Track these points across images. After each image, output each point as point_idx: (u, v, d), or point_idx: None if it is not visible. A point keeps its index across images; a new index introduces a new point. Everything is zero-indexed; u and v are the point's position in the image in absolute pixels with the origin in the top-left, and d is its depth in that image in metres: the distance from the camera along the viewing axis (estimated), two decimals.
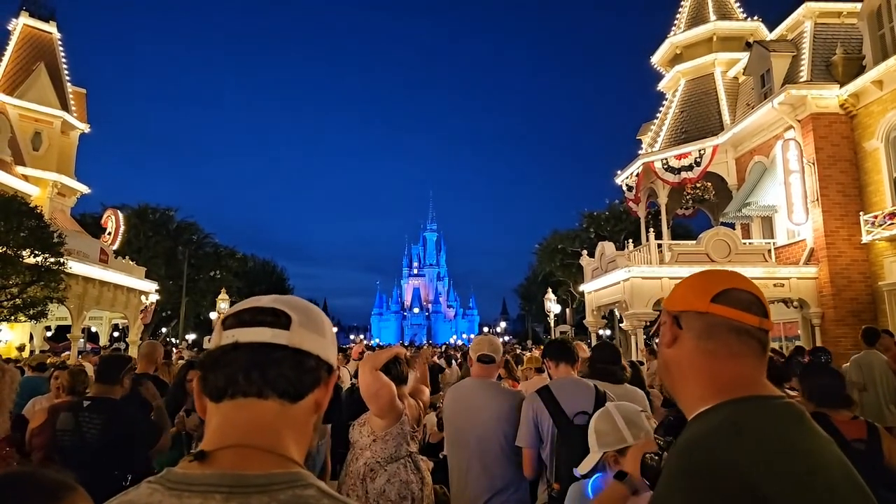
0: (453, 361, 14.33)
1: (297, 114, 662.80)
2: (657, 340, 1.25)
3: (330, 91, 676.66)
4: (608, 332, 33.96)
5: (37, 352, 16.78)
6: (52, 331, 22.75)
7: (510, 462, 3.51)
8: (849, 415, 3.06)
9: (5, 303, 13.39)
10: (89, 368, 5.14)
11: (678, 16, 19.43)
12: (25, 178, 20.15)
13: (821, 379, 3.24)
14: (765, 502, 0.88)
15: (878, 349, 7.32)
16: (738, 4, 19.03)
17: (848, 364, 7.39)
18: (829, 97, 13.67)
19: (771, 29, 17.31)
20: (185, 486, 0.83)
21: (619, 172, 19.33)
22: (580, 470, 2.40)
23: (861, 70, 13.43)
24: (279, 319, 0.93)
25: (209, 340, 0.97)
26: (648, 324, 13.91)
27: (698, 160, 16.50)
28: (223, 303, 28.40)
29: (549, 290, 31.71)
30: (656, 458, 1.27)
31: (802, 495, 0.89)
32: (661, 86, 19.88)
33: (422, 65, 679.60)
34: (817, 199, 13.47)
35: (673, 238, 17.98)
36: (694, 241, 15.14)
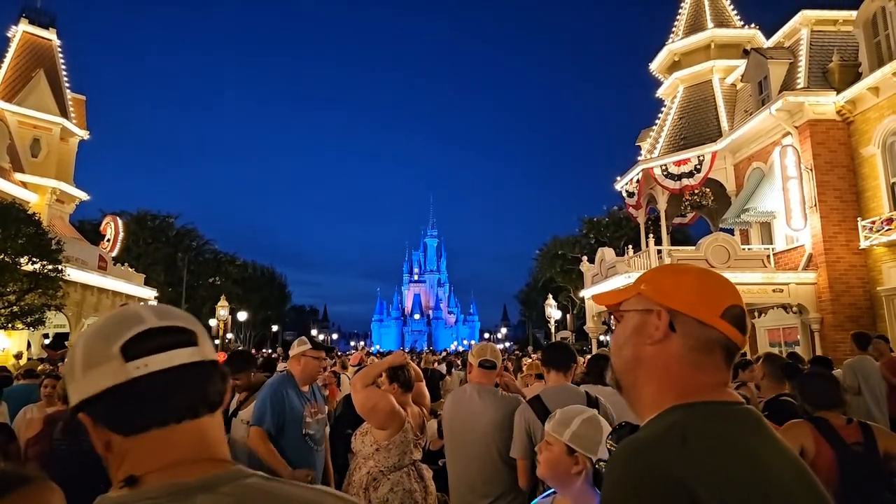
0: (453, 368, 14.30)
1: (297, 119, 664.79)
2: (614, 325, 1.17)
3: (330, 96, 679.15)
4: (609, 337, 33.88)
5: (34, 359, 16.72)
6: (50, 338, 22.67)
7: (508, 469, 3.49)
8: (843, 418, 3.08)
9: (3, 310, 13.36)
10: None
11: (676, 23, 19.52)
12: (24, 184, 20.15)
13: (817, 383, 3.27)
14: None
15: (872, 354, 7.36)
16: (735, 12, 19.12)
17: (840, 369, 7.40)
18: (826, 104, 13.72)
19: (768, 36, 17.40)
20: None
21: (618, 178, 19.37)
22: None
23: (857, 77, 13.49)
24: (187, 337, 0.90)
25: (103, 373, 0.85)
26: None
27: (698, 167, 16.54)
28: (223, 309, 28.31)
29: (550, 295, 31.66)
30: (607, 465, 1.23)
31: None
32: (660, 92, 19.94)
33: (423, 70, 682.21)
34: (815, 205, 13.50)
35: (672, 244, 18.00)
36: (693, 247, 15.16)
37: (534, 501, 2.32)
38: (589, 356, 5.79)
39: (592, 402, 3.34)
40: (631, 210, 19.56)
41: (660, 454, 0.91)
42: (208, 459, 0.87)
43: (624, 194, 19.19)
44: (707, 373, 1.04)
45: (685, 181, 16.60)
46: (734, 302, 1.07)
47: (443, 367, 14.38)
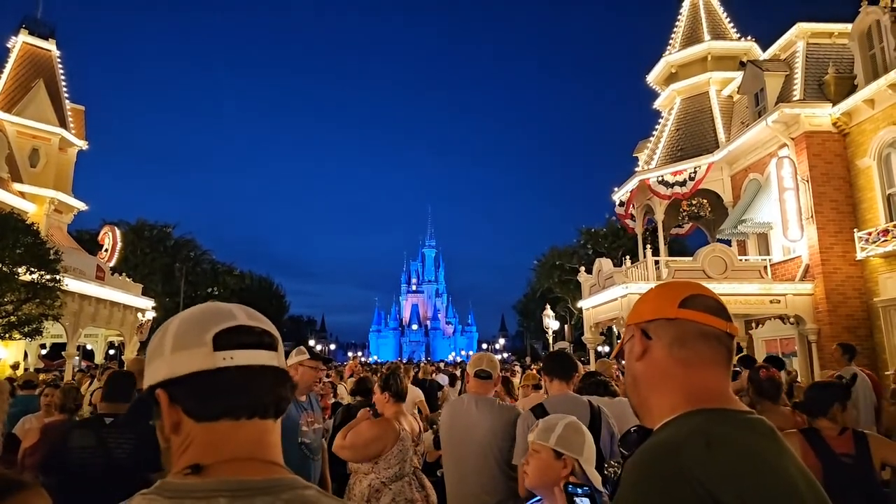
0: (447, 378, 14.25)
1: (295, 129, 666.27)
2: (623, 362, 1.25)
3: (328, 106, 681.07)
4: (607, 348, 33.87)
5: (31, 370, 16.65)
6: (47, 348, 22.58)
7: (506, 478, 3.50)
8: (837, 428, 3.08)
9: (0, 320, 13.32)
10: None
11: (673, 35, 19.68)
12: (22, 194, 20.16)
13: (810, 391, 3.29)
14: None
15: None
16: (731, 24, 19.29)
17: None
18: (822, 116, 13.81)
19: (764, 48, 17.54)
20: (185, 493, 0.82)
21: (616, 189, 19.43)
22: None
23: (853, 89, 13.59)
24: (271, 341, 0.94)
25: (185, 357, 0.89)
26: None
27: (692, 176, 16.63)
28: None
29: (548, 306, 31.67)
30: (617, 467, 1.24)
31: None
32: (657, 104, 20.06)
33: (420, 80, 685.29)
34: (812, 216, 13.55)
35: (670, 255, 18.02)
36: (691, 258, 15.19)
37: None
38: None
39: (595, 411, 3.35)
40: (626, 221, 19.61)
41: (685, 457, 0.94)
42: (266, 461, 0.90)
43: (618, 205, 19.26)
44: (701, 370, 1.07)
45: (676, 189, 16.67)
46: (693, 292, 1.13)
47: (441, 378, 14.32)
